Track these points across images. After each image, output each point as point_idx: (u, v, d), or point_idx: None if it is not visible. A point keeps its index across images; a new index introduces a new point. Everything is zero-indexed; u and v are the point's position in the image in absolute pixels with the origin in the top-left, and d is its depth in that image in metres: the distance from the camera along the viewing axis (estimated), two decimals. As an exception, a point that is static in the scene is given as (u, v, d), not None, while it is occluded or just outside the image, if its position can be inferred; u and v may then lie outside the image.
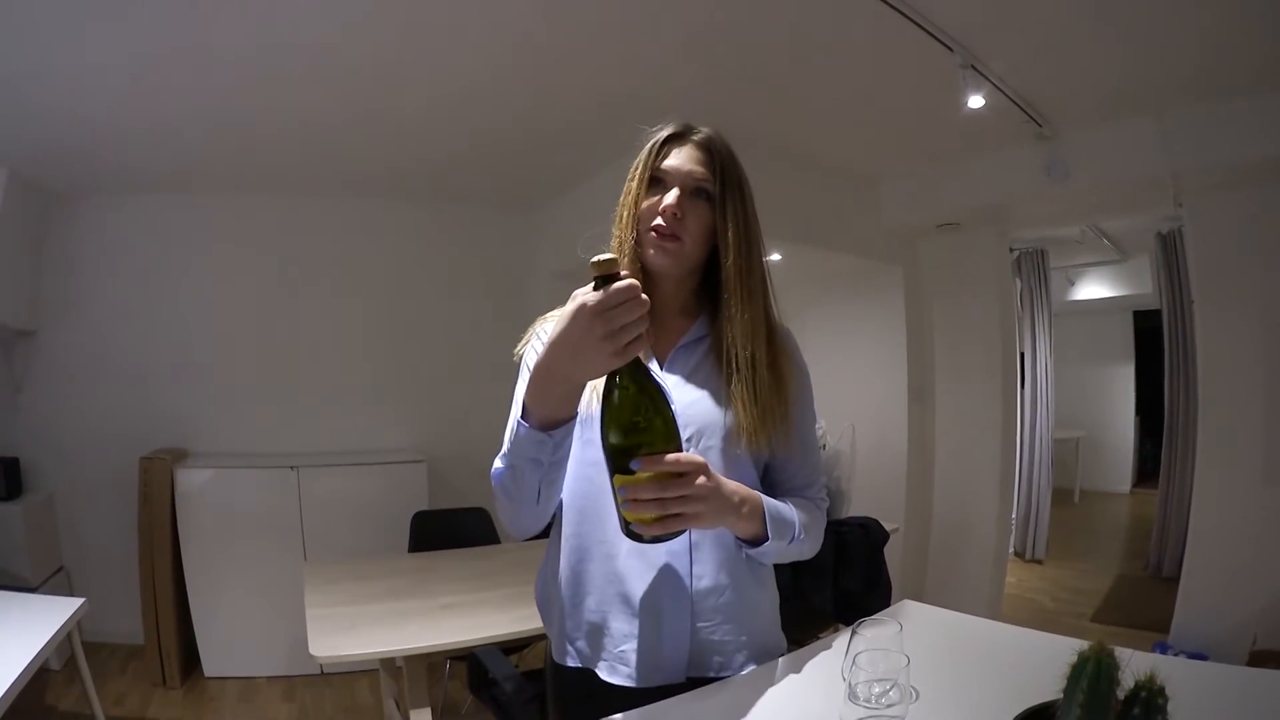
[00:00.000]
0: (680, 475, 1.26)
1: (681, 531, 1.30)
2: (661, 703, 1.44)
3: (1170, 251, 6.42)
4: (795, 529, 1.56)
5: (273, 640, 4.87)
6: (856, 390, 5.82)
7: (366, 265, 5.91)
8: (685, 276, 1.61)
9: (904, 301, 5.73)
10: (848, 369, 5.87)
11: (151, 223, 5.41)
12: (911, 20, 3.06)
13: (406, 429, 5.91)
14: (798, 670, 1.59)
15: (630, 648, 1.52)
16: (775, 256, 5.22)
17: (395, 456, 5.54)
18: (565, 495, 1.59)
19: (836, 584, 3.77)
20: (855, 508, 4.48)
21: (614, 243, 1.58)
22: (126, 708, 4.44)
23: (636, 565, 1.52)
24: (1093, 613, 6.00)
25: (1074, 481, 10.57)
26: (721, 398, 1.55)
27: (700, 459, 1.30)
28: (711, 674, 1.55)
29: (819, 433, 1.86)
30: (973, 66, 3.42)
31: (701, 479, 1.28)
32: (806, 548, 1.63)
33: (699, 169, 1.53)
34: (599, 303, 1.16)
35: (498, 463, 1.44)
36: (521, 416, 1.35)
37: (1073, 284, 9.93)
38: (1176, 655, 3.92)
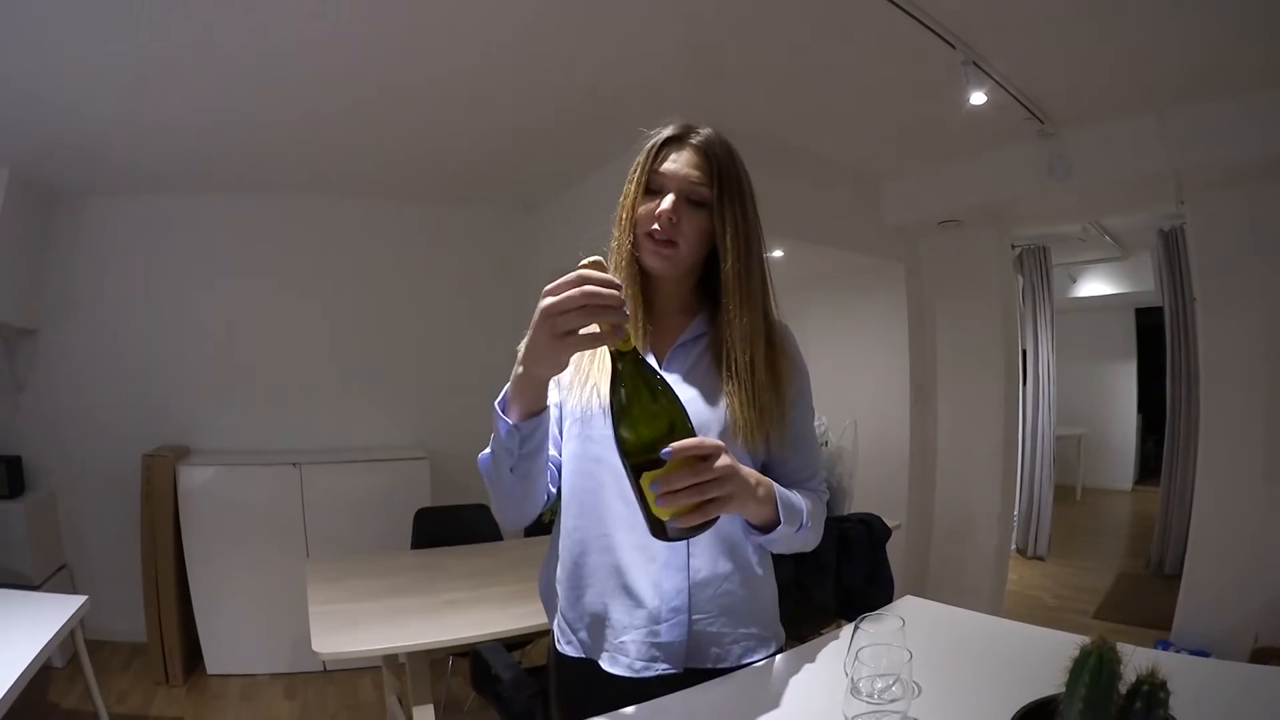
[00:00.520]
0: (705, 458, 1.26)
1: (714, 520, 1.28)
2: (665, 698, 1.44)
3: (1172, 249, 6.42)
4: (804, 515, 1.56)
5: (275, 637, 4.88)
6: (859, 387, 5.82)
7: (369, 263, 5.91)
8: (683, 276, 1.61)
9: (906, 299, 5.73)
10: (850, 366, 5.87)
11: (153, 221, 5.41)
12: (913, 17, 3.06)
13: (409, 426, 5.91)
14: (800, 665, 1.60)
15: (630, 638, 1.54)
16: (777, 254, 5.23)
17: (398, 453, 5.55)
18: (567, 489, 1.61)
19: (838, 580, 3.77)
20: (857, 504, 4.48)
21: (613, 244, 1.59)
22: (129, 705, 4.44)
23: (636, 557, 1.53)
24: (1094, 610, 6.00)
25: (1076, 479, 10.58)
26: (719, 395, 1.56)
27: (718, 441, 1.30)
28: (709, 665, 1.57)
29: (820, 429, 1.87)
30: (974, 63, 3.42)
31: (725, 459, 1.28)
32: (811, 537, 1.63)
33: (695, 174, 1.53)
34: (549, 285, 1.19)
35: (484, 451, 1.48)
36: (500, 408, 1.38)
37: (1074, 281, 9.91)
38: (1178, 653, 3.93)
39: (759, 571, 1.66)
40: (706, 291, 1.64)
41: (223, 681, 4.86)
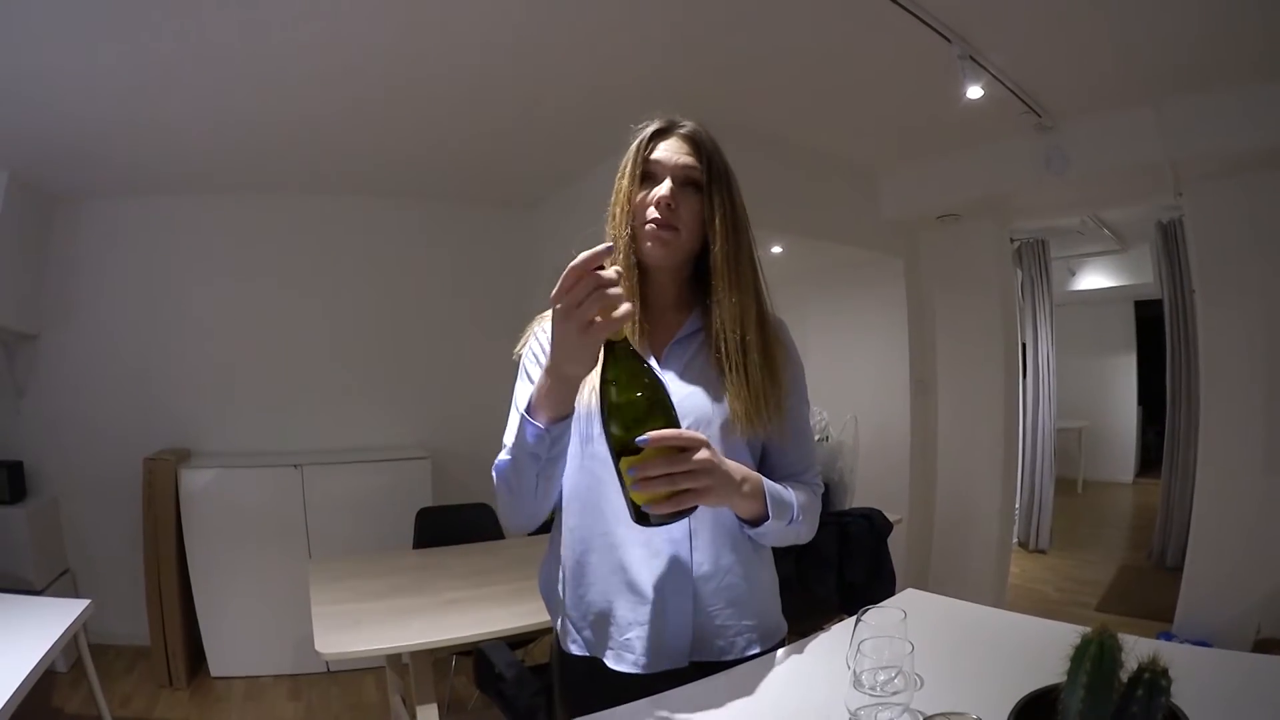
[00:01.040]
0: (684, 450, 1.28)
1: (692, 510, 1.31)
2: (669, 692, 1.44)
3: (1171, 241, 6.42)
4: (794, 510, 1.59)
5: (278, 639, 4.88)
6: (859, 382, 5.83)
7: (368, 263, 5.91)
8: (679, 269, 1.63)
9: (905, 293, 5.74)
10: (850, 361, 5.88)
11: (153, 223, 5.41)
12: (909, 11, 3.07)
13: (410, 426, 5.91)
14: (803, 658, 1.60)
15: (635, 635, 1.55)
16: (776, 249, 5.24)
17: (399, 453, 5.55)
18: (568, 488, 1.62)
19: (840, 575, 3.77)
20: (859, 499, 4.48)
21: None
22: (133, 709, 4.44)
23: (639, 553, 1.54)
24: (1096, 602, 6.01)
25: (1077, 472, 10.59)
26: (717, 387, 1.58)
27: (701, 435, 1.33)
28: (714, 658, 1.58)
29: (820, 423, 1.88)
30: (971, 57, 3.42)
31: (705, 452, 1.31)
32: (804, 530, 1.66)
33: (687, 159, 1.56)
34: (554, 290, 1.22)
35: (501, 456, 1.50)
36: (527, 412, 1.39)
37: (1074, 274, 9.92)
38: (1181, 644, 3.93)
39: (761, 564, 1.68)
40: (700, 287, 1.65)
41: (226, 684, 4.86)
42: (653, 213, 1.53)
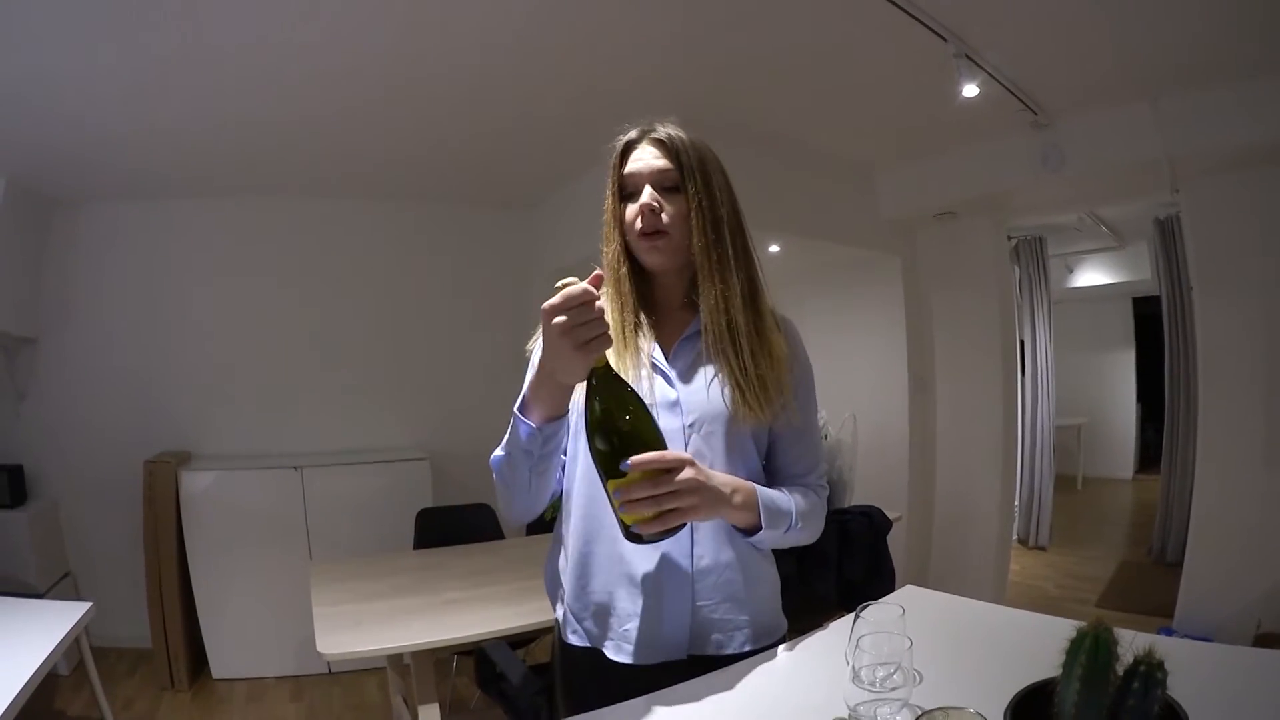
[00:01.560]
0: (668, 471, 1.31)
1: (681, 527, 1.35)
2: (669, 689, 1.45)
3: (1168, 237, 6.43)
4: (791, 518, 1.60)
5: (280, 640, 4.89)
6: (857, 380, 5.83)
7: (368, 265, 5.92)
8: (682, 270, 1.65)
9: (903, 291, 5.75)
10: (848, 359, 5.88)
11: (151, 227, 5.42)
12: (905, 10, 3.07)
13: (409, 427, 5.92)
14: (802, 654, 1.61)
15: (633, 626, 1.57)
16: (774, 249, 5.25)
17: (398, 454, 5.55)
18: (574, 481, 1.65)
19: (840, 573, 3.78)
20: (858, 497, 4.48)
21: (604, 258, 1.65)
22: (135, 712, 4.45)
23: (640, 547, 1.54)
24: (1096, 599, 6.01)
25: (1076, 468, 10.60)
26: (721, 383, 1.59)
27: (685, 454, 1.36)
28: (711, 651, 1.60)
29: (820, 422, 1.88)
30: (966, 55, 3.43)
31: (689, 471, 1.33)
32: (806, 535, 1.67)
33: (659, 163, 1.60)
34: (549, 306, 1.28)
35: (497, 452, 1.53)
36: (520, 409, 1.43)
37: (1071, 271, 9.94)
38: (1180, 639, 3.94)
39: (761, 560, 1.70)
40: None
41: (228, 685, 4.87)
42: (639, 224, 1.58)
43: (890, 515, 4.16)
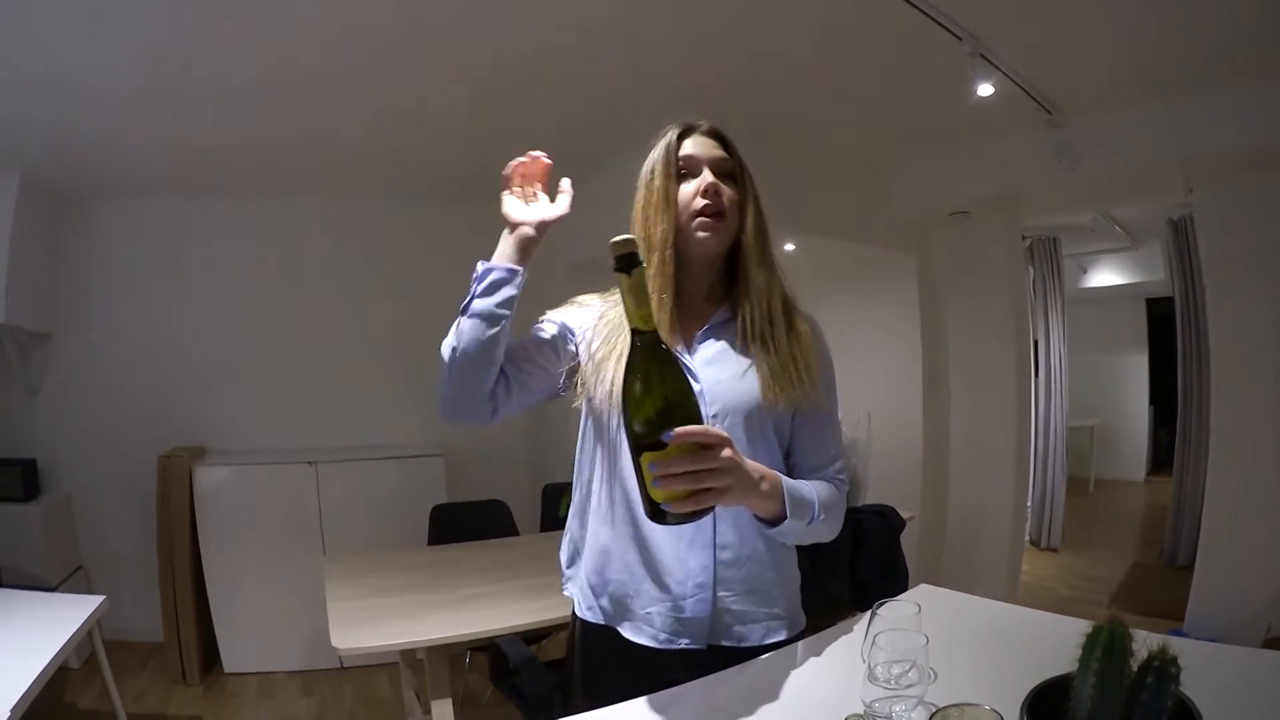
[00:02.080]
0: (707, 447, 1.27)
1: (710, 509, 1.30)
2: (684, 685, 1.47)
3: (1182, 238, 6.40)
4: (814, 509, 1.58)
5: (292, 635, 4.91)
6: (871, 379, 5.82)
7: (384, 263, 5.94)
8: (715, 260, 1.68)
9: (917, 290, 5.74)
10: (862, 358, 5.87)
11: (167, 224, 5.44)
12: (920, 10, 3.07)
13: (423, 423, 5.90)
14: (818, 652, 1.62)
15: (656, 610, 1.59)
16: (789, 246, 5.24)
17: (413, 451, 5.56)
18: (596, 465, 1.69)
19: (853, 571, 3.78)
20: (872, 495, 4.49)
21: (641, 244, 1.56)
22: (146, 705, 4.47)
23: (664, 533, 1.56)
24: (1107, 600, 6.00)
25: (1089, 470, 10.55)
26: (746, 374, 1.61)
27: (725, 433, 1.32)
28: (732, 643, 1.61)
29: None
30: (982, 55, 3.42)
31: (728, 450, 1.30)
32: (826, 529, 1.65)
33: (720, 152, 1.66)
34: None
35: (447, 339, 1.64)
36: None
37: (1085, 271, 9.89)
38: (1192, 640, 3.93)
39: (784, 554, 1.71)
40: (731, 278, 1.71)
41: (240, 680, 4.89)
42: (701, 202, 1.60)
43: (904, 514, 4.16)
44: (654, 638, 1.59)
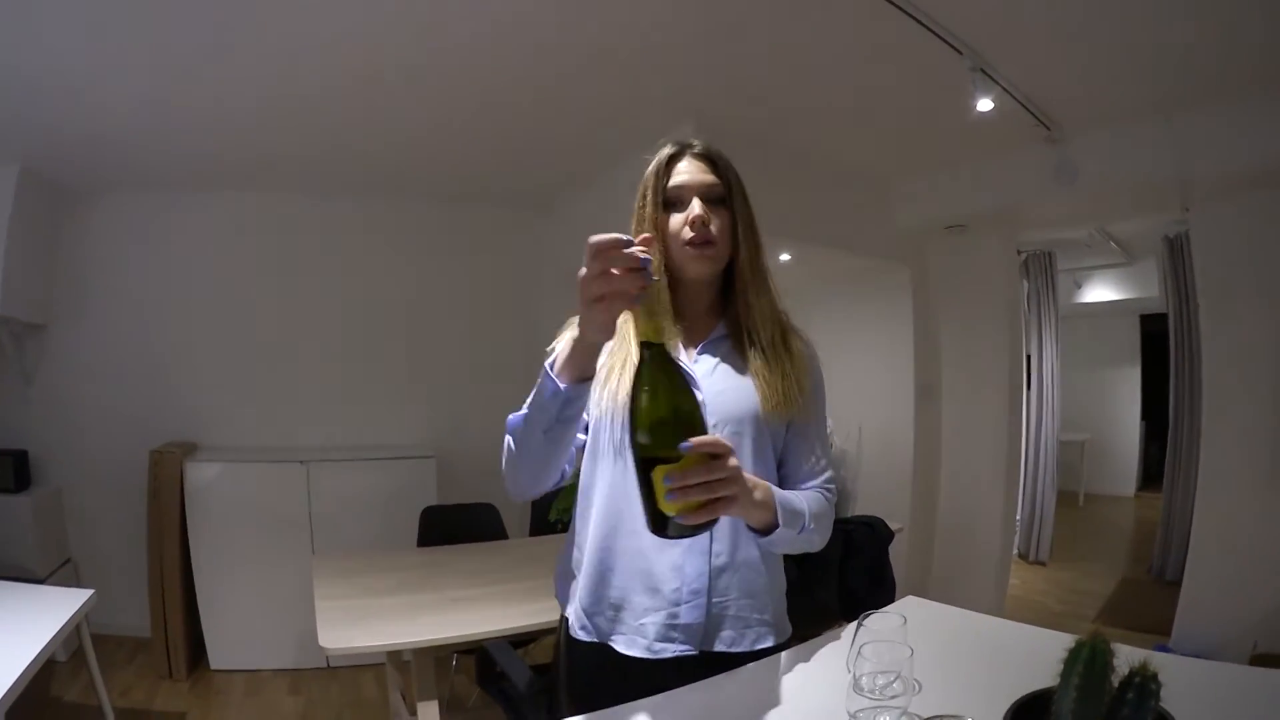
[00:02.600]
0: (716, 457, 1.27)
1: (715, 521, 1.29)
2: (672, 692, 1.47)
3: (1177, 255, 6.42)
4: (805, 518, 1.60)
5: (279, 633, 4.90)
6: (863, 390, 5.83)
7: (379, 263, 5.94)
8: (713, 279, 1.71)
9: (911, 302, 5.75)
10: (855, 369, 5.88)
11: (164, 219, 5.45)
12: (922, 24, 3.08)
13: (415, 425, 5.92)
14: (804, 662, 1.63)
15: (650, 620, 1.61)
16: (785, 256, 5.25)
17: (404, 452, 5.56)
18: (596, 478, 1.69)
19: (842, 582, 3.79)
20: (861, 507, 4.50)
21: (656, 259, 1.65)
22: (133, 700, 4.46)
23: (660, 542, 1.56)
24: (1095, 615, 6.01)
25: (1079, 484, 10.59)
26: (745, 386, 1.65)
27: (728, 442, 1.33)
28: (723, 648, 1.63)
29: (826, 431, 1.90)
30: (982, 70, 3.44)
31: (734, 459, 1.31)
32: (816, 539, 1.67)
33: (708, 177, 1.66)
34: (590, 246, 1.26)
35: (514, 415, 1.54)
36: (551, 368, 1.43)
37: (1079, 287, 9.92)
38: (1177, 656, 3.94)
39: (774, 561, 1.74)
40: (728, 294, 1.74)
41: (226, 677, 4.88)
42: (689, 233, 1.62)
43: (893, 526, 4.18)
44: (647, 649, 1.60)
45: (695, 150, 1.69)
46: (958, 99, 3.61)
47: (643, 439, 1.26)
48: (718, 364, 1.69)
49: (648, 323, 1.27)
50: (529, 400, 1.48)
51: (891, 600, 2.25)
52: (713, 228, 1.63)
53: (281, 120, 4.25)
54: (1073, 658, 1.00)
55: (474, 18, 3.16)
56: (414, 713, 2.97)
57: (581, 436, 1.70)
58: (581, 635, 1.69)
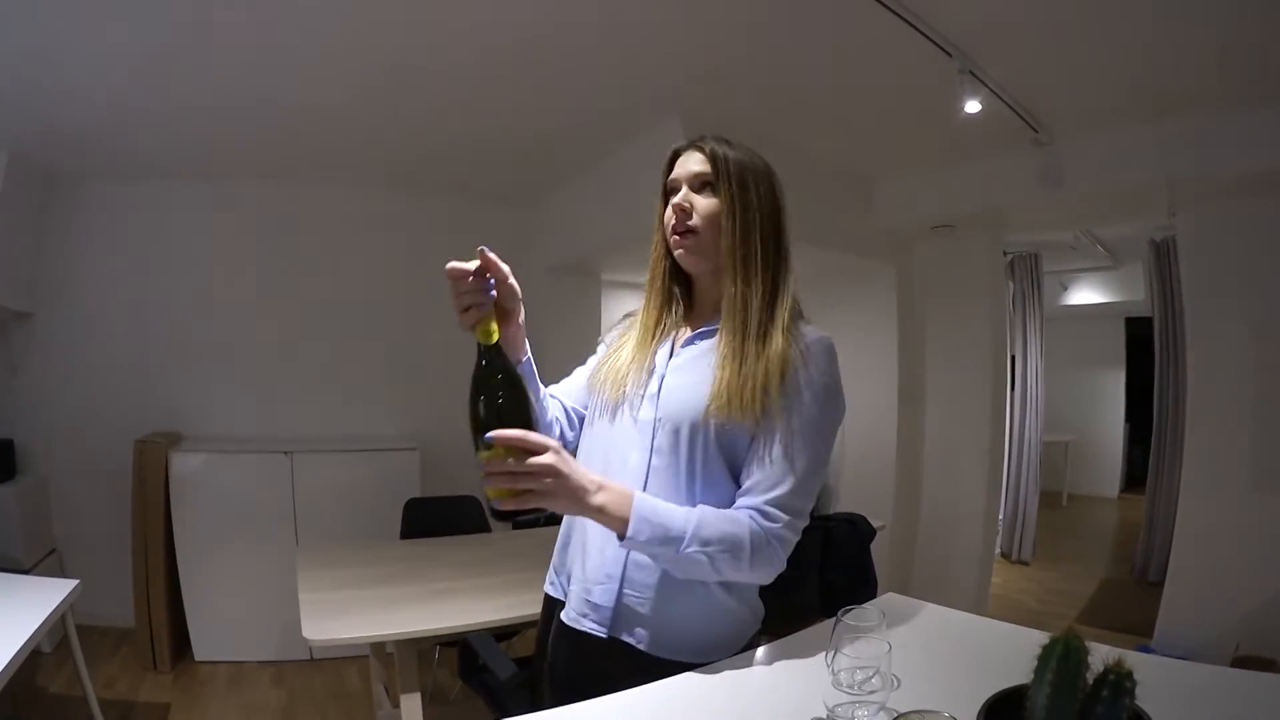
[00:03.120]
0: (529, 452, 1.36)
1: (536, 510, 1.40)
2: (647, 685, 1.48)
3: (1163, 259, 6.45)
4: (683, 539, 1.49)
5: (263, 625, 4.89)
6: (847, 387, 5.79)
7: (363, 253, 5.93)
8: (717, 271, 1.69)
9: (897, 302, 5.77)
10: (840, 366, 5.88)
11: (151, 207, 5.42)
12: (912, 25, 3.09)
13: (400, 417, 5.92)
14: (782, 657, 1.63)
15: (575, 589, 1.72)
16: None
17: (388, 444, 5.56)
18: (583, 445, 1.80)
19: (823, 579, 3.79)
20: (843, 504, 4.49)
21: (651, 260, 1.81)
22: (117, 690, 4.45)
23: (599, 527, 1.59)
24: (1077, 615, 6.03)
25: (1062, 485, 10.65)
26: (699, 385, 1.61)
27: (552, 441, 1.40)
28: (635, 643, 1.62)
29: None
30: (971, 72, 3.45)
31: (549, 457, 1.37)
32: (725, 567, 1.52)
33: (698, 166, 1.68)
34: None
35: None
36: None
37: (1065, 289, 9.95)
38: (1156, 656, 3.95)
39: (697, 591, 1.62)
40: None
41: (210, 668, 4.87)
42: (670, 218, 1.68)
43: (874, 523, 4.18)
44: (567, 615, 1.70)
45: (697, 143, 1.71)
46: (946, 100, 3.62)
47: (471, 426, 1.41)
48: (690, 359, 1.69)
49: (481, 328, 1.56)
50: None
51: (873, 597, 2.26)
52: (695, 216, 1.66)
53: (269, 111, 4.24)
54: (1046, 655, 1.01)
55: (466, 14, 3.16)
56: (397, 705, 2.97)
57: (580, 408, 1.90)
58: (549, 590, 1.84)
